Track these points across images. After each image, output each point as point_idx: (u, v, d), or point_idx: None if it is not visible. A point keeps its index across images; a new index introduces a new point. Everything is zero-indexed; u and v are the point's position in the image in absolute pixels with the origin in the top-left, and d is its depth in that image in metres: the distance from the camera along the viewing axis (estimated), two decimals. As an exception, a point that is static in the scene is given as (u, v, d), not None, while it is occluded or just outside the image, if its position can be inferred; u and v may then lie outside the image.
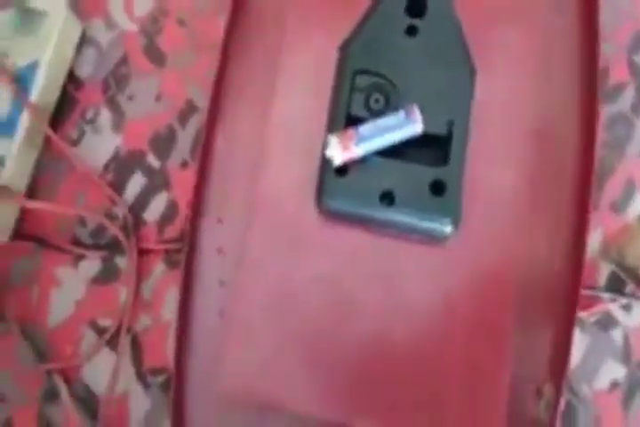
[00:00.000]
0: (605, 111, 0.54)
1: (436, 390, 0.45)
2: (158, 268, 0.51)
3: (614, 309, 0.50)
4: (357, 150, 0.45)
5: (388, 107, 0.48)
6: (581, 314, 0.49)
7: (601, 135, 0.53)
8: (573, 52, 0.52)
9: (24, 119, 0.51)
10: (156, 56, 0.55)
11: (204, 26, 0.55)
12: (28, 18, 0.52)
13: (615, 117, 0.54)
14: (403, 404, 0.46)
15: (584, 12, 0.53)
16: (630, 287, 0.51)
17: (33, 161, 0.53)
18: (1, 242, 0.50)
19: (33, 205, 0.50)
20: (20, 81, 0.51)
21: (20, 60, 0.51)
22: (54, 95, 0.53)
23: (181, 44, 0.55)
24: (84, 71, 0.55)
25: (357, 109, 0.48)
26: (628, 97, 0.54)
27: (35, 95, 0.51)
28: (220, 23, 0.52)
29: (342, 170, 0.46)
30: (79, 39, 0.55)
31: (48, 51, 0.52)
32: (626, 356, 0.49)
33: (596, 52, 0.52)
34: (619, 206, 0.52)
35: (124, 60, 0.55)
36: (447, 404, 0.45)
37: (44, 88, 0.52)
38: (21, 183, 0.52)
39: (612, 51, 0.55)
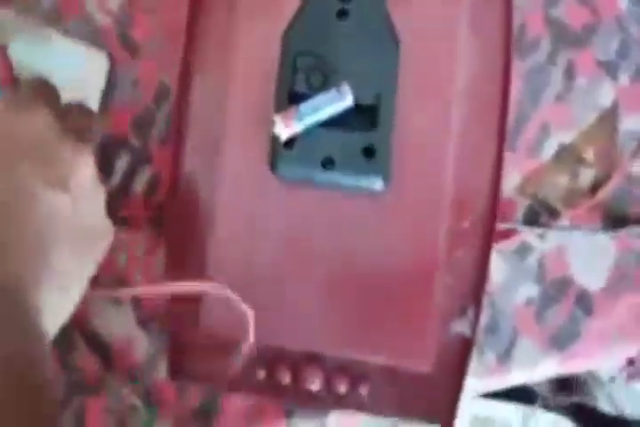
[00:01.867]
0: (525, 63, 0.62)
1: (379, 314, 0.57)
2: (146, 231, 0.60)
3: (530, 238, 0.60)
4: (298, 126, 0.54)
5: (327, 83, 0.56)
6: (502, 244, 0.60)
7: (519, 85, 0.62)
8: (494, 13, 0.60)
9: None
10: (130, 46, 0.63)
11: (172, 13, 0.62)
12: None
13: (533, 68, 0.62)
14: (355, 328, 0.57)
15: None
16: (544, 218, 0.61)
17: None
18: None
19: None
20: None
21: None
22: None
23: (152, 33, 0.63)
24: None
25: (300, 88, 0.56)
26: (544, 49, 0.62)
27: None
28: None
29: (289, 143, 0.55)
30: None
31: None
32: (540, 276, 0.60)
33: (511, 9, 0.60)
34: (534, 149, 0.61)
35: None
36: (389, 324, 0.57)
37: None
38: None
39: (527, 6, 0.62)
